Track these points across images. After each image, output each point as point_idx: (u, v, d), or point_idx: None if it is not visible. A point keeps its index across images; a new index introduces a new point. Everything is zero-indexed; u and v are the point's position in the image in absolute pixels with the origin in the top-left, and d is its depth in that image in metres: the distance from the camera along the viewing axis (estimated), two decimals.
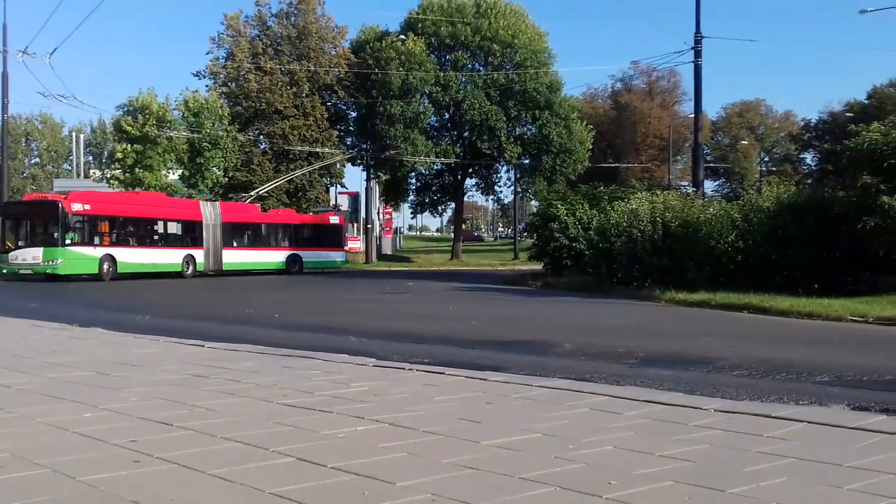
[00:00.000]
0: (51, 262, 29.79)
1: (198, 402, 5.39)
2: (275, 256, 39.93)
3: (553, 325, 14.35)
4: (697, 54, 30.21)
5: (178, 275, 33.91)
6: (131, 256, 32.42)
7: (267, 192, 47.22)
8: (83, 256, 30.59)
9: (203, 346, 8.86)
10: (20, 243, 30.94)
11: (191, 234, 35.93)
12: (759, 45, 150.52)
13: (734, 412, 5.01)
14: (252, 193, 44.26)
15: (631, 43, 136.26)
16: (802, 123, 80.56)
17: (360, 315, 16.14)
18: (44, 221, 31.19)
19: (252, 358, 7.90)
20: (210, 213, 37.03)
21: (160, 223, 35.07)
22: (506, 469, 3.67)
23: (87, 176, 50.85)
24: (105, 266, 30.99)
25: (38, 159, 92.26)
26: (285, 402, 5.43)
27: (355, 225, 63.26)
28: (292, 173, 47.57)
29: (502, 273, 39.74)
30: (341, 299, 21.66)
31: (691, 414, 4.96)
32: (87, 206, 31.44)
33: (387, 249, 67.25)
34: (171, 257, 34.36)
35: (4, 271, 30.37)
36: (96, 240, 31.58)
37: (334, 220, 44.57)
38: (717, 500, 3.24)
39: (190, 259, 35.12)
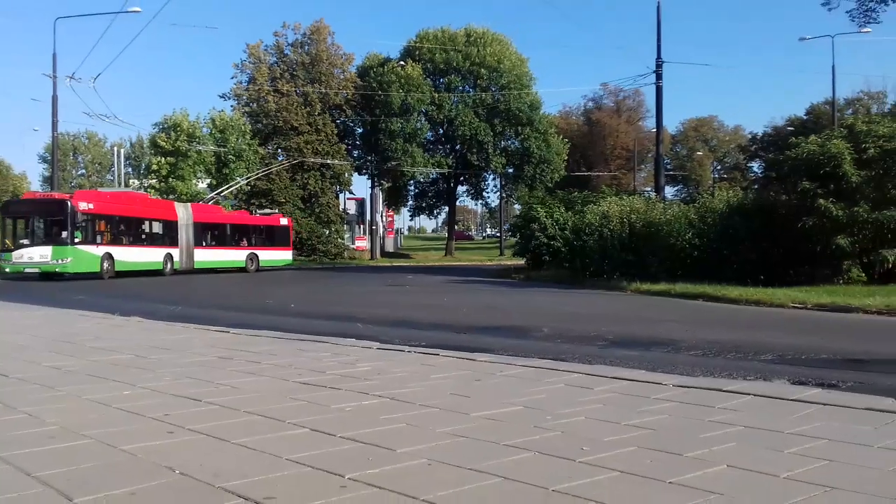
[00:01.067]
0: (60, 261, 27.14)
1: (223, 381, 5.38)
2: (237, 255, 37.62)
3: (533, 312, 14.34)
4: (659, 77, 30.26)
5: (159, 272, 31.84)
6: (125, 255, 30.07)
7: (284, 198, 47.03)
8: (88, 255, 28.13)
9: (228, 331, 8.84)
10: (23, 242, 27.80)
11: (169, 233, 33.48)
12: (713, 68, 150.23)
13: (690, 387, 5.01)
14: (213, 195, 41.80)
15: (601, 67, 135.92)
16: (750, 136, 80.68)
17: (365, 305, 16.12)
18: (51, 220, 28.19)
19: (271, 342, 7.88)
20: (184, 213, 34.71)
21: (146, 223, 32.70)
22: (492, 437, 3.67)
23: (127, 185, 50.55)
24: (105, 264, 28.67)
25: (83, 171, 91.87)
26: (300, 380, 5.42)
27: (362, 226, 63.20)
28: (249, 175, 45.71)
29: (489, 268, 39.72)
30: (349, 291, 21.62)
31: (653, 389, 4.96)
32: (91, 206, 29.03)
33: (389, 248, 67.19)
34: (154, 255, 32.10)
35: (7, 270, 27.57)
36: (98, 238, 29.11)
37: (284, 221, 41.68)
38: (675, 463, 3.24)
39: (169, 257, 32.85)
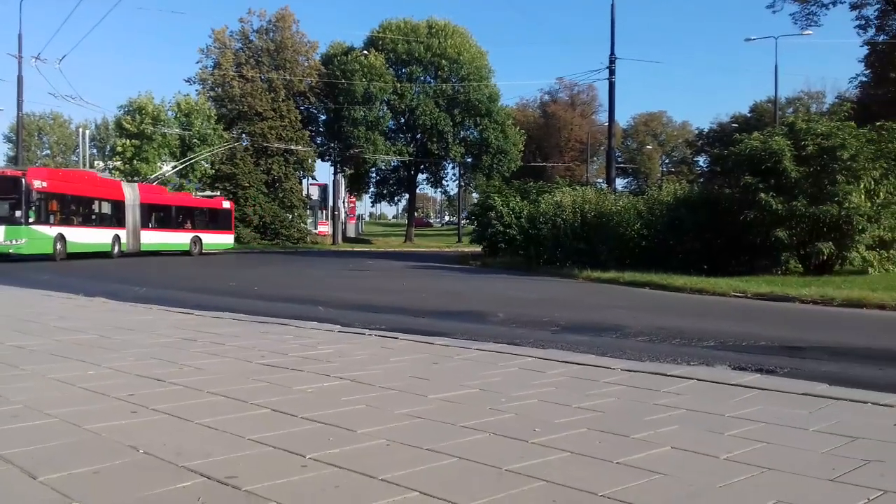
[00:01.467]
0: (14, 242, 24.93)
1: (187, 362, 5.31)
2: (182, 238, 35.78)
3: (489, 298, 14.40)
4: (611, 73, 30.50)
5: (107, 255, 29.83)
6: (76, 236, 28.06)
7: (248, 182, 46.45)
8: (42, 235, 26.04)
9: (192, 313, 8.73)
10: None
11: (116, 214, 31.43)
12: (663, 65, 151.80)
13: (637, 371, 5.08)
14: (153, 176, 40.28)
15: (556, 62, 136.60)
16: (697, 132, 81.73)
17: (327, 289, 16.04)
18: (4, 198, 25.64)
19: (234, 324, 7.81)
20: (131, 193, 32.68)
21: (96, 202, 30.55)
22: (448, 418, 3.68)
23: (91, 167, 49.55)
24: (58, 245, 26.68)
25: (48, 151, 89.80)
26: (262, 362, 5.38)
27: (324, 211, 62.81)
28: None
29: (448, 254, 39.77)
30: (311, 275, 21.49)
31: (602, 372, 5.01)
32: (45, 184, 26.68)
33: (351, 233, 66.86)
34: (103, 237, 30.01)
35: None
36: (51, 218, 26.96)
37: (226, 205, 40.11)
38: (622, 443, 3.28)
39: (116, 239, 30.80)
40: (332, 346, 6.16)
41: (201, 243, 36.55)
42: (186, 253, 35.23)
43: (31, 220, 25.60)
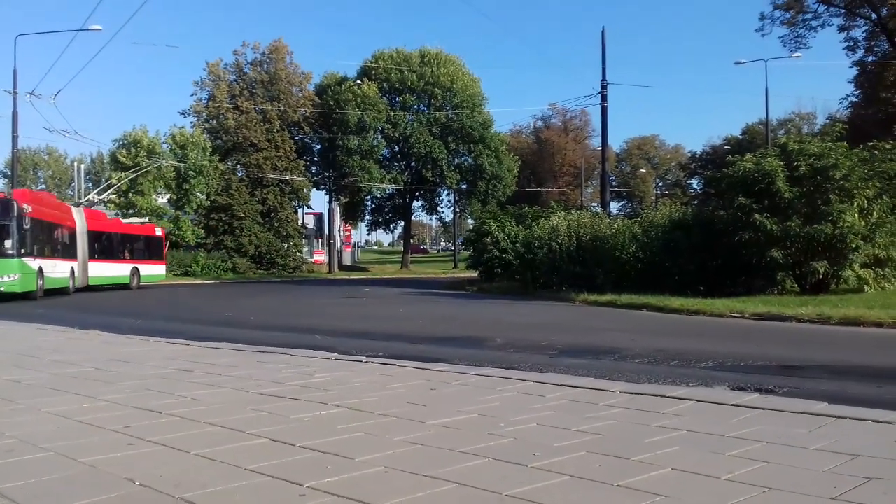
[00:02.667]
0: (6, 278, 21.12)
1: (183, 393, 5.28)
2: (123, 270, 31.34)
3: (486, 323, 14.37)
4: (604, 98, 30.67)
5: (65, 291, 25.68)
6: (48, 269, 23.99)
7: (243, 212, 46.45)
8: (30, 270, 22.41)
9: (188, 344, 8.69)
10: None
11: (71, 242, 27.11)
12: (655, 89, 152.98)
13: (636, 393, 5.05)
14: (89, 197, 37.42)
15: (549, 88, 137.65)
16: (690, 154, 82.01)
17: (323, 317, 16.00)
18: None
19: (231, 354, 7.77)
20: (80, 220, 28.38)
21: (58, 230, 26.07)
22: (447, 444, 3.66)
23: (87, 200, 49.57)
24: (39, 281, 22.99)
25: (44, 185, 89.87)
26: (259, 391, 5.35)
27: (320, 240, 62.85)
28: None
29: (444, 280, 39.74)
30: (308, 303, 21.45)
31: (601, 395, 4.99)
32: (31, 209, 22.69)
33: (347, 261, 66.85)
34: (64, 270, 25.75)
35: None
36: (35, 249, 22.94)
37: (158, 231, 35.57)
38: (622, 466, 3.26)
39: (72, 272, 26.51)
40: (330, 374, 6.13)
41: (139, 275, 32.14)
42: (126, 286, 30.95)
43: (22, 251, 21.90)
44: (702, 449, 3.55)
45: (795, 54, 41.58)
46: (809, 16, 42.42)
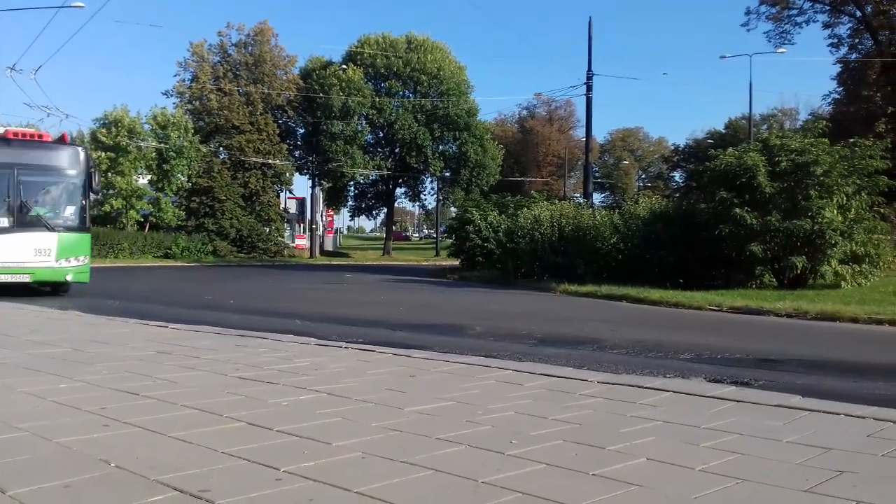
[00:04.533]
0: (73, 262, 15.17)
1: (161, 375, 5.25)
2: None
3: (467, 311, 14.40)
4: (589, 89, 30.71)
5: None
6: None
7: (225, 195, 46.15)
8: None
9: (167, 326, 8.64)
10: None
11: None
12: (640, 82, 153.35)
13: (613, 383, 5.09)
14: None
15: (534, 78, 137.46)
16: (673, 147, 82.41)
17: (304, 302, 15.96)
18: (51, 181, 15.65)
19: (210, 337, 7.74)
20: None
21: None
22: (425, 431, 3.66)
23: None
24: None
25: None
26: (238, 375, 5.33)
27: (302, 225, 62.59)
28: None
29: (426, 267, 39.72)
30: (288, 288, 21.38)
31: (579, 385, 5.02)
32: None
33: (328, 247, 66.57)
34: None
35: None
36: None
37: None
38: (598, 455, 3.28)
39: None
40: (309, 359, 6.12)
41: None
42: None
43: (87, 224, 16.29)
44: (677, 439, 3.58)
45: (780, 50, 41.78)
46: (795, 12, 42.60)
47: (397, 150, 58.29)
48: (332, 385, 4.91)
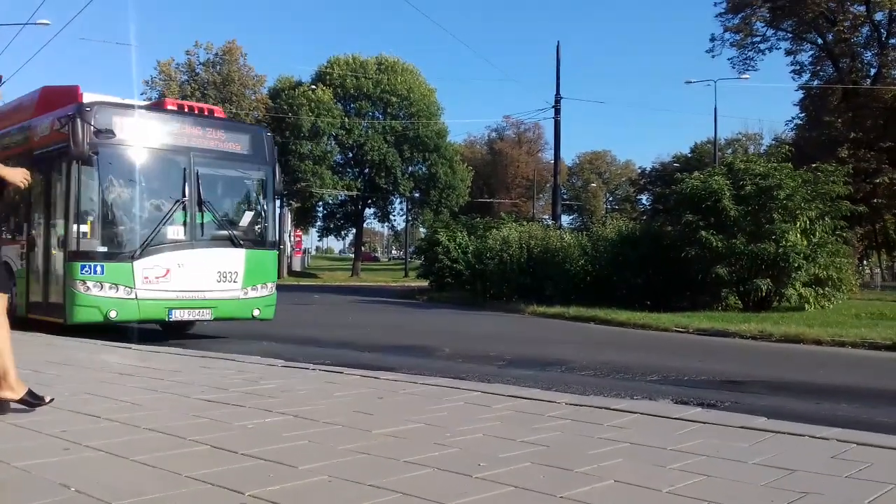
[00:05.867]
0: (261, 291, 11.57)
1: (124, 397, 5.16)
2: None
3: (436, 332, 14.37)
4: (557, 112, 31.05)
5: None
6: None
7: None
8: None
9: (130, 347, 8.51)
10: (167, 230, 10.68)
11: None
12: (608, 105, 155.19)
13: (581, 405, 5.09)
14: None
15: (504, 100, 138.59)
16: (640, 171, 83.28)
17: (270, 323, 15.79)
18: (229, 179, 11.83)
19: (175, 359, 7.63)
20: None
21: None
22: (392, 454, 3.64)
23: None
24: None
25: None
26: (202, 397, 5.26)
27: None
28: None
29: (395, 288, 39.62)
30: None
31: (547, 407, 5.02)
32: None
33: (297, 267, 66.10)
34: None
35: (76, 316, 10.14)
36: None
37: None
38: (566, 477, 3.28)
39: None
40: (275, 381, 6.06)
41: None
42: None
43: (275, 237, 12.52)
44: (644, 461, 3.59)
45: (744, 76, 42.61)
46: (758, 39, 43.54)
47: (367, 170, 58.27)
48: (299, 407, 4.86)
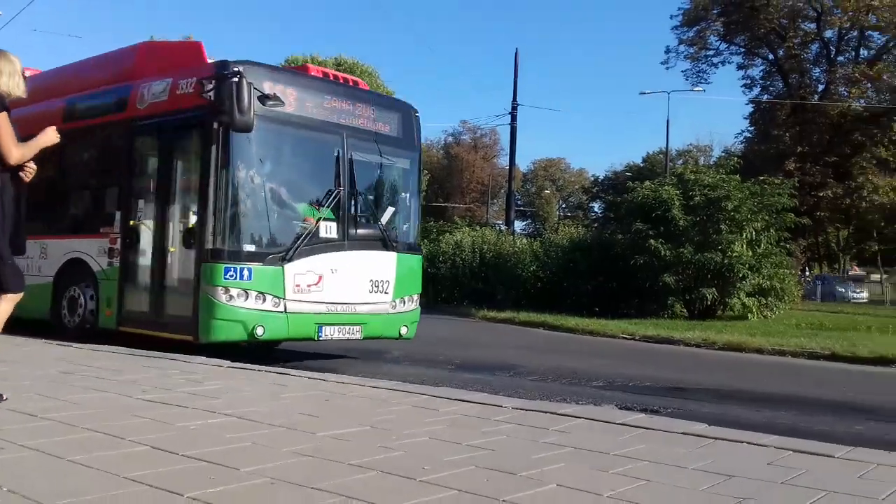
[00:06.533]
0: (407, 304, 9.59)
1: (63, 396, 5.04)
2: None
3: None
4: (513, 118, 31.24)
5: None
6: None
7: None
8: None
9: (71, 345, 8.31)
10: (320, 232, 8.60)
11: None
12: (563, 114, 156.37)
13: (528, 409, 5.13)
14: None
15: (461, 104, 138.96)
16: (592, 179, 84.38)
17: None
18: (380, 167, 9.76)
19: (117, 358, 7.47)
20: None
21: None
22: (337, 457, 3.62)
23: None
24: None
25: None
26: (144, 397, 5.16)
27: None
28: None
29: None
30: None
31: (494, 411, 5.04)
32: None
33: None
34: None
35: (215, 333, 8.07)
36: None
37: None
38: (509, 481, 3.30)
39: None
40: (221, 382, 5.98)
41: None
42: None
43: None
44: (587, 466, 3.63)
45: (697, 88, 43.55)
46: (711, 52, 44.58)
47: None
48: (244, 409, 4.81)
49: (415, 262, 9.85)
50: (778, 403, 7.68)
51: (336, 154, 8.88)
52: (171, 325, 8.47)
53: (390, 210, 9.78)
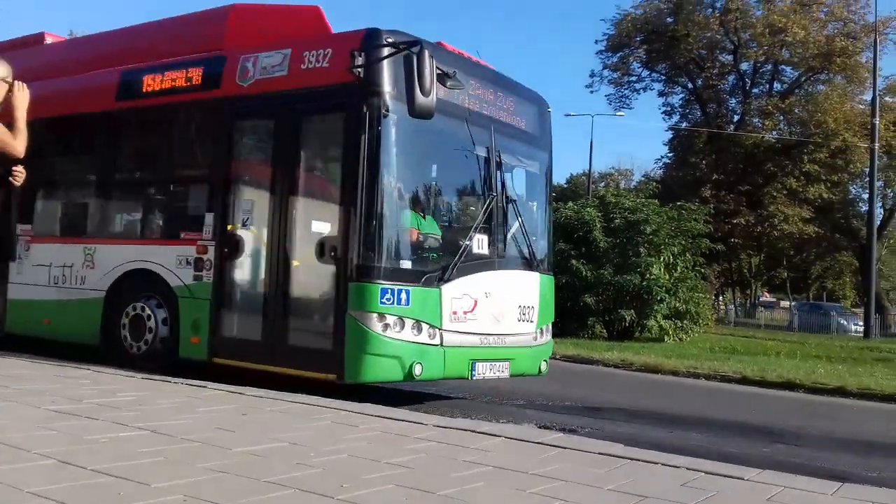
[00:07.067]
0: (543, 335, 8.20)
1: None
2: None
3: None
4: None
5: None
6: None
7: None
8: None
9: None
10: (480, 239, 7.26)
11: None
12: None
13: (448, 427, 5.13)
14: None
15: None
16: None
17: None
18: (521, 169, 8.32)
19: (25, 366, 7.16)
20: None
21: None
22: (253, 473, 3.55)
23: None
24: None
25: None
26: (53, 408, 4.96)
27: None
28: None
29: None
30: None
31: (414, 428, 5.03)
32: None
33: None
34: None
35: (368, 374, 6.62)
36: None
37: None
38: (428, 500, 3.30)
39: None
40: (133, 394, 5.79)
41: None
42: None
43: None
44: (506, 485, 3.65)
45: (619, 113, 44.58)
46: (634, 78, 45.80)
47: None
48: (158, 422, 4.67)
49: (552, 284, 8.56)
50: (691, 425, 7.89)
51: (486, 153, 7.42)
52: (300, 359, 6.85)
53: (532, 222, 8.31)
